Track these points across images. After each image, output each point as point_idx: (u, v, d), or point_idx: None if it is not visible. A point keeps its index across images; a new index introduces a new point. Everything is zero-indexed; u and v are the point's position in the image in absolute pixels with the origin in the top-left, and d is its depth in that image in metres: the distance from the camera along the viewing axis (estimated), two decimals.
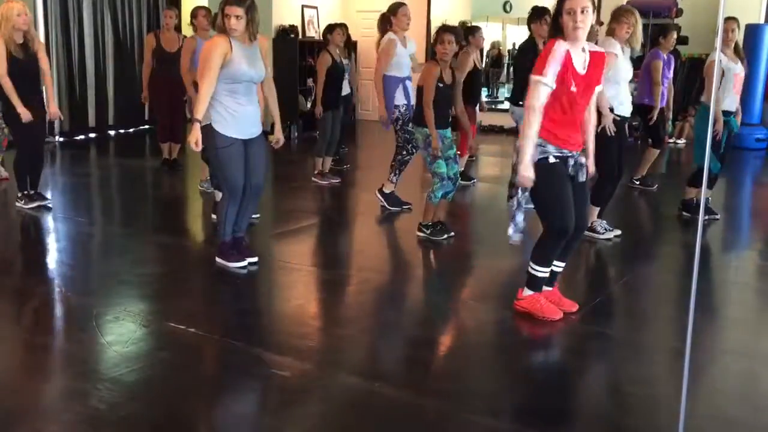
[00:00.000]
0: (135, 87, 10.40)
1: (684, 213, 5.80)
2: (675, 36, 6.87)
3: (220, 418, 2.76)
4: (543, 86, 3.27)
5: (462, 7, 12.30)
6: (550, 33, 3.49)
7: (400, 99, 5.83)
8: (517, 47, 13.74)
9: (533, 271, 3.57)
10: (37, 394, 2.85)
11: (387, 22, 5.93)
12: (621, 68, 4.87)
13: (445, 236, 5.07)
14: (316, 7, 11.43)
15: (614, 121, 4.83)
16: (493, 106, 12.87)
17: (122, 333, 3.36)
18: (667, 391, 2.90)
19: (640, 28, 4.86)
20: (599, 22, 6.15)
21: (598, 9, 10.36)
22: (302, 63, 10.64)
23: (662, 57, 6.73)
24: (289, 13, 10.86)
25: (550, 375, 3.20)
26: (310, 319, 3.77)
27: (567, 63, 3.29)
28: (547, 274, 3.59)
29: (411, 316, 3.92)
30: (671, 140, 10.03)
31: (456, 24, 9.46)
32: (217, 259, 4.35)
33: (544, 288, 3.63)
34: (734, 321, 3.89)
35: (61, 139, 9.36)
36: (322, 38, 7.20)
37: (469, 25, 7.58)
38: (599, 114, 4.57)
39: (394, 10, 5.91)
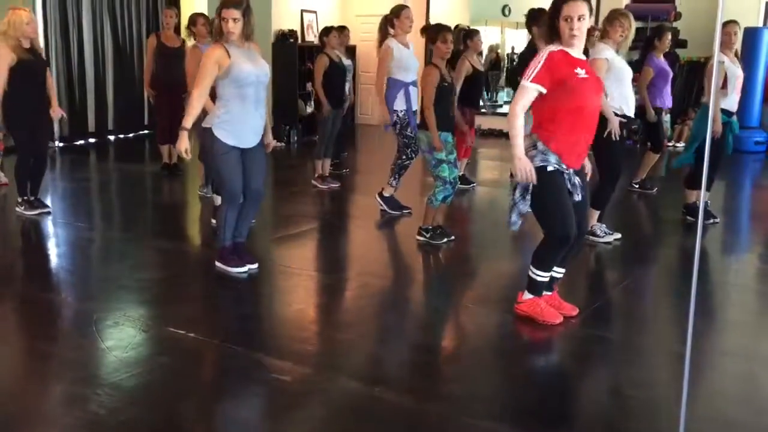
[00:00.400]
0: (135, 92, 10.44)
1: (688, 217, 5.79)
2: (669, 37, 6.88)
3: (220, 423, 2.76)
4: (530, 90, 3.32)
5: (461, 11, 12.31)
6: (546, 37, 3.50)
7: (399, 104, 5.79)
8: (515, 51, 13.79)
9: (534, 276, 3.57)
10: (37, 399, 2.85)
11: (389, 24, 5.91)
12: (621, 69, 4.87)
13: (445, 240, 5.07)
14: (315, 12, 11.45)
15: (620, 123, 4.83)
16: (493, 110, 12.91)
17: (122, 338, 3.36)
18: (667, 394, 2.90)
19: (633, 32, 4.86)
20: (596, 28, 6.14)
21: (596, 13, 10.39)
22: (301, 67, 10.64)
23: (655, 62, 6.73)
24: (288, 17, 10.87)
25: (550, 379, 3.20)
26: (310, 324, 3.77)
27: (563, 64, 3.31)
28: (547, 279, 3.59)
29: (411, 320, 3.92)
30: (670, 143, 10.03)
31: (453, 27, 9.48)
32: (217, 264, 4.35)
33: (544, 292, 3.63)
34: (734, 324, 3.90)
35: (61, 145, 9.36)
36: (319, 41, 7.21)
37: (468, 28, 7.56)
38: (604, 119, 4.58)
39: (397, 12, 5.87)
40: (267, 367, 3.11)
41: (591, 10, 3.41)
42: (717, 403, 2.93)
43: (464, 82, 6.39)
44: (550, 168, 3.36)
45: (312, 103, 10.13)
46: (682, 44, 10.24)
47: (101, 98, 10.14)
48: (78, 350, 3.29)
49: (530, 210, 3.45)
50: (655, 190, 7.06)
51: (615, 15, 4.88)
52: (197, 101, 3.99)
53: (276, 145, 4.47)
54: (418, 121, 5.29)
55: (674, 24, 10.31)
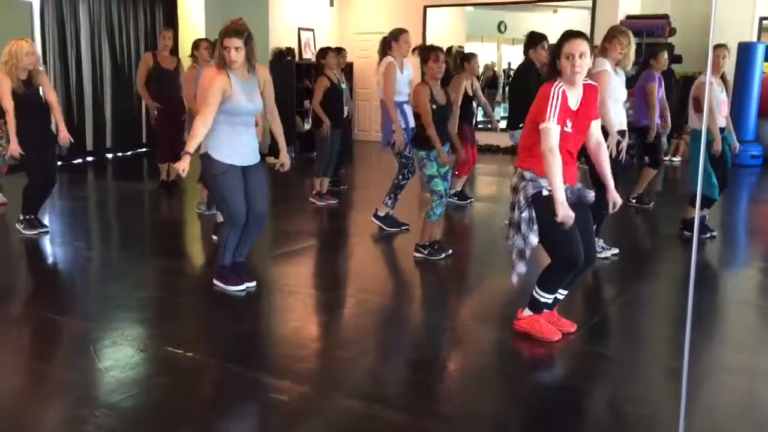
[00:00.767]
0: (133, 110, 10.48)
1: (685, 232, 5.79)
2: (666, 56, 6.93)
3: None
4: (552, 131, 3.29)
5: (457, 28, 12.41)
6: (549, 74, 3.51)
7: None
8: (512, 66, 13.85)
9: (537, 296, 3.57)
10: (34, 420, 2.84)
11: (387, 46, 5.96)
12: (615, 88, 4.90)
13: (443, 255, 5.08)
14: (312, 30, 11.53)
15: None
16: (489, 126, 12.96)
17: (120, 358, 3.35)
18: (666, 410, 2.89)
19: (633, 49, 4.88)
20: (594, 46, 6.18)
21: (591, 29, 10.48)
22: (299, 85, 10.71)
23: (657, 79, 6.78)
24: (285, 35, 10.95)
25: (549, 396, 3.19)
26: (308, 342, 3.76)
27: (563, 103, 3.33)
28: (551, 301, 3.59)
29: (410, 337, 3.92)
30: (667, 158, 10.07)
31: (450, 48, 9.55)
32: (215, 282, 4.35)
33: (544, 310, 3.63)
34: (733, 339, 3.90)
35: (60, 164, 9.33)
36: (316, 62, 7.24)
37: (465, 52, 7.63)
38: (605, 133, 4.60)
39: (396, 35, 5.92)
40: (265, 387, 3.11)
41: (592, 49, 3.44)
42: (716, 418, 2.92)
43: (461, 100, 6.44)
44: (545, 192, 3.37)
45: (309, 119, 10.15)
46: (677, 59, 10.31)
47: (99, 117, 10.18)
48: (75, 370, 3.28)
49: (538, 241, 3.43)
50: (651, 204, 7.08)
51: (614, 33, 4.90)
52: (202, 127, 3.95)
53: (274, 162, 4.48)
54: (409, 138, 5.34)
55: (669, 39, 10.38)
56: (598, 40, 6.03)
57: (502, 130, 7.88)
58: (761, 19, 10.71)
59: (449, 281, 4.92)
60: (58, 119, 5.65)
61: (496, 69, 14.17)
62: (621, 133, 5.03)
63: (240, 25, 4.01)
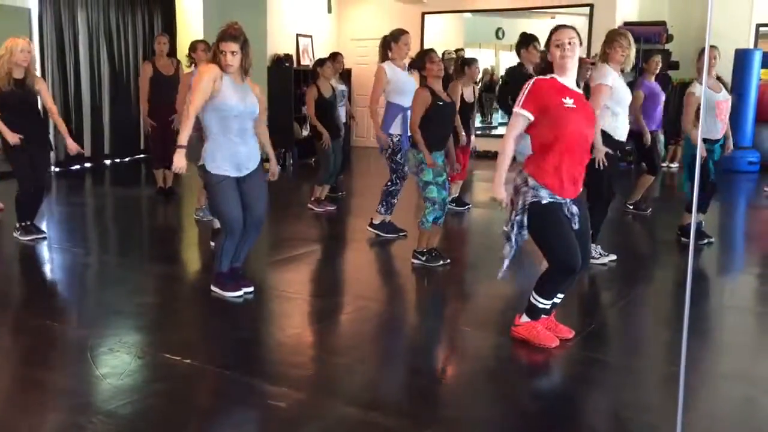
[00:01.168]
0: (131, 116, 10.49)
1: (682, 238, 5.80)
2: (658, 60, 6.94)
3: None
4: (519, 117, 3.40)
5: (455, 34, 12.43)
6: (541, 68, 3.57)
7: (395, 128, 5.69)
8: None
9: (535, 302, 3.57)
10: (31, 428, 2.83)
11: (387, 47, 5.91)
12: (622, 96, 4.89)
13: (440, 263, 5.07)
14: (310, 36, 11.56)
15: (609, 145, 4.85)
16: (488, 131, 12.99)
17: (117, 365, 3.34)
18: (664, 417, 2.89)
19: (633, 51, 4.89)
20: (591, 62, 6.19)
21: (589, 37, 10.50)
22: (297, 91, 10.72)
23: (646, 85, 6.80)
24: (283, 41, 10.97)
25: (547, 402, 3.19)
26: (306, 348, 3.76)
27: (551, 91, 3.36)
28: (549, 306, 3.59)
29: (407, 344, 3.91)
30: (664, 164, 10.09)
31: (452, 52, 9.57)
32: (213, 289, 4.35)
33: (542, 315, 3.63)
34: (730, 345, 3.90)
35: (57, 170, 9.37)
36: (312, 71, 7.23)
37: (465, 56, 7.65)
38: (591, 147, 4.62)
39: (395, 37, 5.84)
40: (263, 393, 3.10)
41: (580, 40, 3.47)
42: (713, 426, 2.92)
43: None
44: (544, 201, 3.38)
45: (308, 126, 10.17)
46: (674, 66, 10.35)
47: (97, 123, 10.19)
48: (72, 377, 3.27)
49: (524, 240, 3.46)
50: (649, 211, 7.08)
51: (613, 36, 4.90)
52: (191, 116, 3.97)
53: (273, 172, 4.47)
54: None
55: (666, 46, 10.42)
56: (595, 47, 6.04)
57: (477, 154, 7.91)
58: (758, 25, 10.76)
59: (447, 287, 4.92)
60: (61, 129, 5.64)
61: (494, 74, 14.21)
62: (621, 144, 5.03)
63: (236, 30, 4.02)
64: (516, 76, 5.75)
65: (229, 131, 4.07)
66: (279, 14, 10.85)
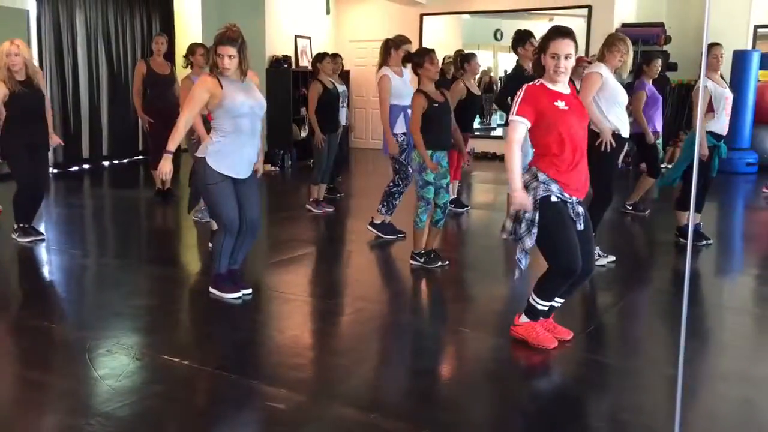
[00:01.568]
0: (129, 118, 10.48)
1: (681, 239, 5.80)
2: (659, 63, 6.95)
3: None
4: (517, 124, 3.39)
5: (453, 36, 12.45)
6: (533, 70, 3.56)
7: (399, 127, 5.74)
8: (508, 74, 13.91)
9: (534, 303, 3.57)
10: (29, 429, 2.82)
11: (386, 52, 5.94)
12: (617, 91, 4.90)
13: (439, 264, 5.07)
14: (309, 38, 11.56)
15: (614, 138, 4.86)
16: (487, 133, 13.00)
17: (115, 366, 3.34)
18: (662, 418, 2.89)
19: (631, 57, 4.91)
20: (588, 60, 6.21)
21: (587, 38, 10.52)
22: (295, 93, 10.72)
23: (647, 87, 6.81)
24: (282, 43, 10.97)
25: (545, 403, 3.19)
26: (304, 350, 3.75)
27: (542, 96, 3.37)
28: (547, 308, 3.59)
29: (407, 345, 3.91)
30: (663, 165, 10.09)
31: (453, 52, 9.57)
32: (211, 290, 4.34)
33: (540, 317, 3.63)
34: (729, 346, 3.90)
35: (55, 171, 9.37)
36: (312, 67, 7.25)
37: (465, 52, 7.64)
38: (594, 133, 4.62)
39: (397, 44, 5.88)
40: (261, 395, 3.10)
41: (577, 48, 3.46)
42: (712, 426, 2.92)
43: (458, 105, 6.42)
44: (553, 198, 3.37)
45: (306, 127, 10.18)
46: (673, 67, 10.36)
47: (95, 124, 10.18)
48: (70, 379, 3.26)
49: (534, 245, 3.44)
50: (647, 212, 7.09)
51: (613, 40, 4.91)
52: (183, 127, 4.03)
53: (271, 170, 4.48)
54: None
55: (664, 47, 10.43)
56: (593, 49, 6.04)
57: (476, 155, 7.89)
58: (756, 27, 10.78)
59: (445, 289, 4.92)
60: (48, 116, 5.63)
61: (492, 75, 14.23)
62: (624, 139, 5.03)
63: (234, 32, 4.02)
64: (518, 77, 5.77)
65: (242, 131, 4.08)
66: (277, 15, 10.85)
